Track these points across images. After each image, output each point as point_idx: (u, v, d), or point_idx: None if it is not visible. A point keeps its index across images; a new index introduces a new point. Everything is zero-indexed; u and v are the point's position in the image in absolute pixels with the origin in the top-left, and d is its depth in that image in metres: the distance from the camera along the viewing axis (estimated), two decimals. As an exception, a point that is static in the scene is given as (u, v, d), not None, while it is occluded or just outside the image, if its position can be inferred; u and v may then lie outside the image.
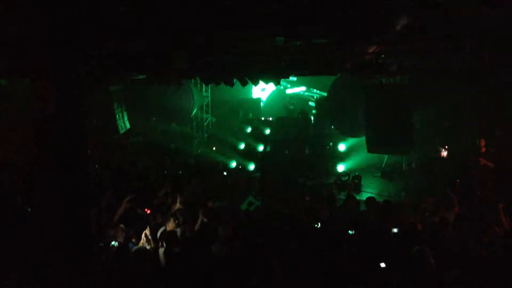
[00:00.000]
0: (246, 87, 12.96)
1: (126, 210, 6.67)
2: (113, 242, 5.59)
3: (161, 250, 5.44)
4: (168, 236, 5.59)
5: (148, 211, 7.16)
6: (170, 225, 6.20)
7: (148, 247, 5.70)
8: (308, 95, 17.90)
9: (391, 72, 8.75)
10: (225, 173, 13.00)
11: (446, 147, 11.87)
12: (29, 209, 6.56)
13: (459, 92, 10.41)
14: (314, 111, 16.94)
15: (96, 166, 7.92)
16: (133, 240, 6.11)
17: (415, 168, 12.50)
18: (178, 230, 6.11)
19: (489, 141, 10.05)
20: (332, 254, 5.24)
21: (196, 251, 5.29)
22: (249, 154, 15.65)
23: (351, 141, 14.36)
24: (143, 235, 5.85)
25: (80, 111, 3.66)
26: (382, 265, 5.03)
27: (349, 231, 6.07)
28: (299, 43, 6.97)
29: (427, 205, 7.11)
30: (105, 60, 8.61)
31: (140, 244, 5.81)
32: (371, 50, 7.85)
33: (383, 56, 8.09)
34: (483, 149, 9.99)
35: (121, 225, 6.23)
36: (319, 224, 6.43)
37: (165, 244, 5.46)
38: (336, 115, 14.39)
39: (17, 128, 11.56)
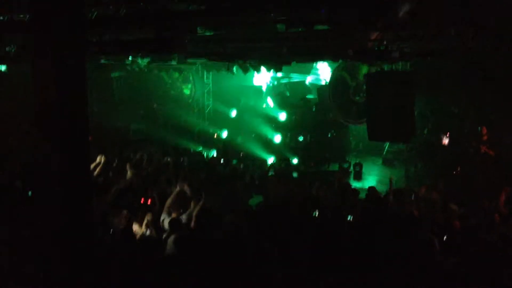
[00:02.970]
0: (248, 74, 12.97)
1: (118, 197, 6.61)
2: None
3: (167, 237, 5.44)
4: (176, 224, 5.60)
5: (149, 201, 7.12)
6: (174, 213, 6.19)
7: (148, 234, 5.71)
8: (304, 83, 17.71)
9: (393, 59, 8.72)
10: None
11: (448, 134, 11.85)
12: (30, 194, 6.52)
13: (461, 79, 10.36)
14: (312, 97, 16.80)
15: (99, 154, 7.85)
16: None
17: (416, 156, 12.49)
18: (183, 217, 6.10)
19: (490, 128, 10.02)
20: (332, 241, 5.26)
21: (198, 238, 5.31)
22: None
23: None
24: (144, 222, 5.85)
25: (82, 98, 3.64)
26: None
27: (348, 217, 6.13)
28: (300, 29, 6.94)
29: (421, 193, 7.15)
30: (106, 46, 8.60)
31: (139, 231, 5.81)
32: (373, 37, 7.82)
33: (385, 42, 8.05)
34: (485, 137, 9.96)
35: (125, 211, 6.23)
36: (317, 212, 6.44)
37: (172, 231, 5.46)
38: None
39: (18, 115, 11.56)
